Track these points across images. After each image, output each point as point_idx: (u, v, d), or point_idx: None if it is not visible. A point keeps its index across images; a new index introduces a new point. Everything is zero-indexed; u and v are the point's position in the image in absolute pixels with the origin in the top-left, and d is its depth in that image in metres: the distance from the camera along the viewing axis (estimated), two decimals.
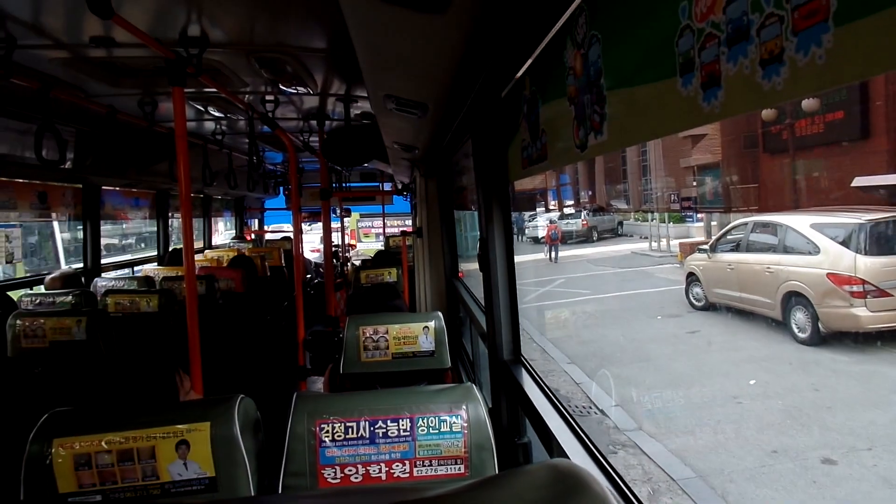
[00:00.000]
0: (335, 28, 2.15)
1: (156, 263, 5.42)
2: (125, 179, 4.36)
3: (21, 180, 3.62)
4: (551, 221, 14.62)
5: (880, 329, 5.31)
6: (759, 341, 6.44)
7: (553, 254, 13.96)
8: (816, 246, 5.80)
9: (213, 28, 2.15)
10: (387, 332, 2.01)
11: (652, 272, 10.98)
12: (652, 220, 12.87)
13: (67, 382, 2.08)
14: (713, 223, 9.88)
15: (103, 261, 4.58)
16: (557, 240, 13.87)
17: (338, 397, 1.14)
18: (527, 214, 16.39)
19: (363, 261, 6.77)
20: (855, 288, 5.26)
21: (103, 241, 4.84)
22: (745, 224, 7.12)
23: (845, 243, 5.54)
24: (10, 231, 3.60)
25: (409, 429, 1.09)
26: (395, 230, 9.63)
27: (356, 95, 3.30)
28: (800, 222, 6.13)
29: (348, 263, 8.32)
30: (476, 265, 2.20)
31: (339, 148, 3.80)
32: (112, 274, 4.66)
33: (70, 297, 3.19)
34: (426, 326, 2.02)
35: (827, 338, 5.66)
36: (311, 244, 12.56)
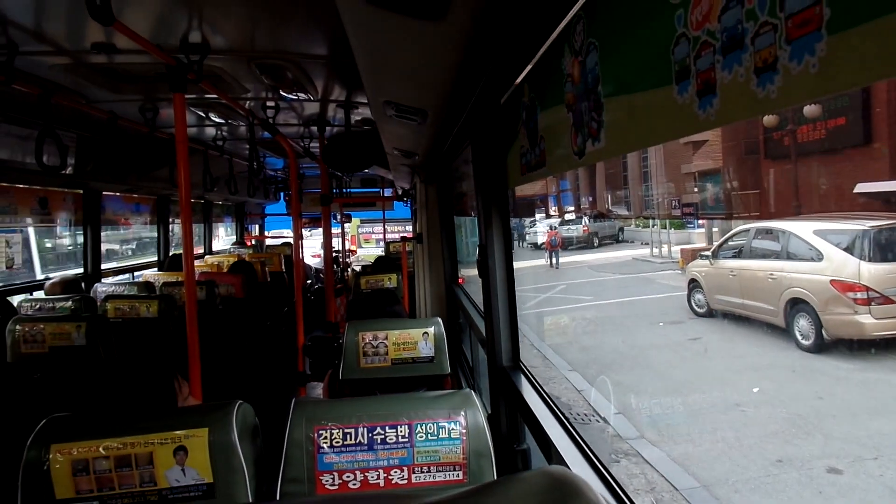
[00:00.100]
0: (335, 35, 2.16)
1: (156, 269, 5.43)
2: (126, 185, 4.37)
3: (21, 185, 3.63)
4: (551, 227, 14.62)
5: (885, 336, 5.28)
6: (761, 348, 6.40)
7: (554, 260, 13.95)
8: (820, 252, 5.77)
9: (214, 34, 2.16)
10: (386, 338, 2.01)
11: (653, 278, 10.96)
12: (653, 227, 12.86)
13: (67, 388, 2.08)
14: (714, 229, 9.87)
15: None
16: (558, 246, 13.86)
17: (336, 403, 1.14)
18: (527, 220, 16.41)
19: (363, 266, 6.78)
20: (859, 295, 5.23)
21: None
22: (748, 230, 7.10)
23: (849, 250, 5.52)
24: (10, 236, 3.60)
25: (407, 435, 1.09)
26: (396, 236, 9.64)
27: (356, 102, 3.31)
28: (803, 229, 6.11)
29: (348, 269, 8.33)
30: (476, 271, 2.20)
31: (339, 154, 3.81)
32: (112, 279, 4.66)
33: (70, 303, 3.19)
34: (426, 332, 2.02)
35: (830, 345, 5.62)
36: (312, 249, 12.56)
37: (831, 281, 5.46)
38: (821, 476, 4.18)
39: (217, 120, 3.81)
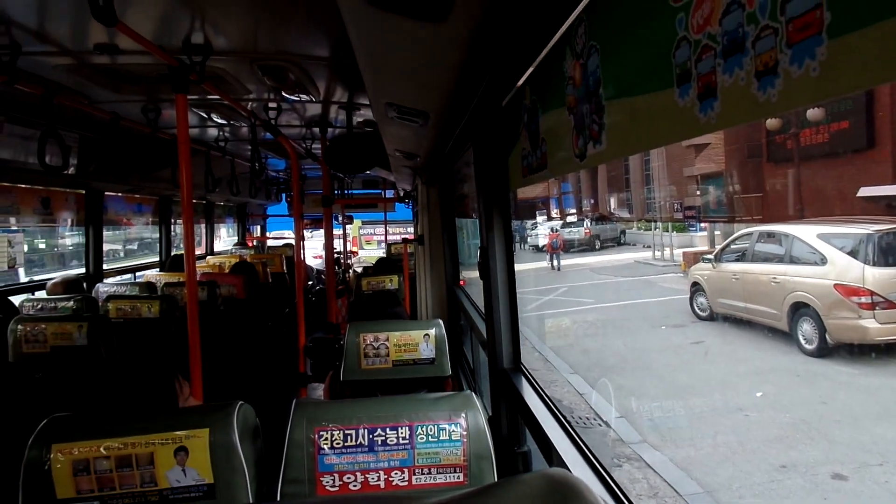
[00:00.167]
0: (337, 36, 2.16)
1: (157, 269, 5.44)
2: (128, 185, 4.38)
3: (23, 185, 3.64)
4: (553, 230, 14.61)
5: (889, 341, 5.25)
6: (764, 352, 6.37)
7: (555, 262, 13.95)
8: (823, 256, 5.75)
9: (217, 36, 2.17)
10: (387, 340, 2.01)
11: (655, 281, 10.94)
12: (655, 230, 12.85)
13: (68, 387, 2.08)
14: (717, 232, 9.85)
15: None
16: (559, 248, 13.86)
17: (337, 404, 1.14)
18: (528, 223, 16.41)
19: (365, 268, 6.78)
20: (863, 299, 5.20)
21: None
22: (751, 234, 7.08)
23: (853, 254, 5.49)
24: (12, 236, 3.61)
25: (408, 437, 1.09)
26: (397, 237, 9.64)
27: (358, 103, 3.31)
28: (806, 232, 6.09)
29: (350, 270, 8.33)
30: (477, 273, 2.20)
31: (341, 155, 3.81)
32: (114, 279, 4.67)
33: (71, 303, 3.20)
34: (427, 334, 2.02)
35: (834, 349, 5.59)
36: (314, 251, 12.58)
37: (835, 285, 5.44)
38: (826, 482, 4.14)
39: (219, 121, 3.82)
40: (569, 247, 14.73)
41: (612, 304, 10.20)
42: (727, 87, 0.62)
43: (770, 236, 6.74)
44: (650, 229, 13.36)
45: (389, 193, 9.16)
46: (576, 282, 12.69)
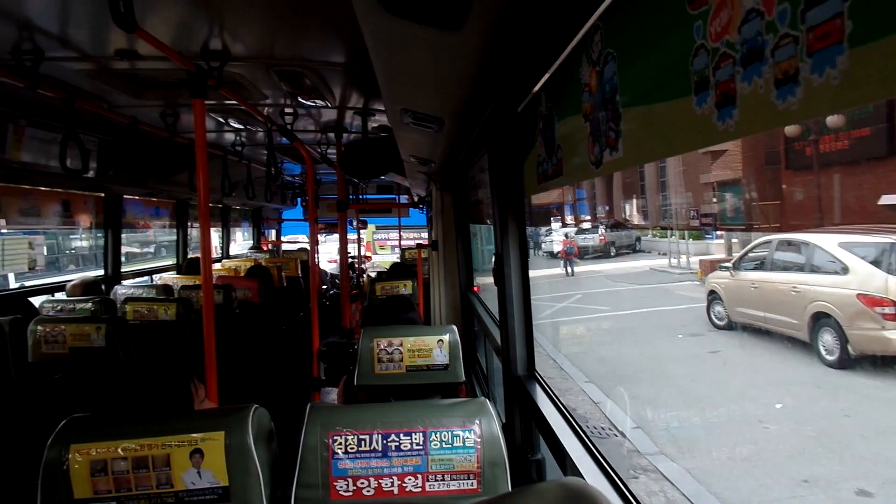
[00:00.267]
0: (354, 43, 2.18)
1: (174, 272, 5.50)
2: (146, 189, 4.44)
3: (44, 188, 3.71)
4: (567, 236, 14.54)
5: None
6: (784, 363, 6.26)
7: (570, 268, 13.89)
8: (845, 266, 5.65)
9: (235, 42, 2.20)
10: (401, 345, 2.01)
11: (671, 289, 10.82)
12: (671, 237, 12.73)
13: (86, 388, 2.11)
14: (734, 240, 9.73)
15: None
16: (573, 254, 13.79)
17: (351, 409, 1.14)
18: (543, 229, 16.35)
19: (378, 273, 6.79)
20: (887, 310, 5.10)
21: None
22: (769, 242, 6.98)
23: (876, 263, 5.39)
24: (33, 238, 3.67)
25: (421, 443, 1.08)
26: (411, 243, 9.65)
27: (373, 109, 3.33)
28: (827, 241, 5.99)
29: (364, 275, 8.36)
30: (491, 279, 2.20)
31: (356, 160, 3.84)
32: (131, 282, 4.73)
33: (90, 304, 3.24)
34: (440, 340, 2.02)
35: (857, 361, 5.48)
36: (328, 255, 12.64)
37: (858, 295, 5.34)
38: (850, 499, 4.02)
39: (236, 125, 3.86)
40: (584, 253, 14.66)
41: (628, 311, 10.11)
42: (746, 96, 0.62)
43: (789, 244, 6.64)
44: (665, 236, 13.25)
45: (404, 199, 9.19)
46: (591, 289, 12.61)
